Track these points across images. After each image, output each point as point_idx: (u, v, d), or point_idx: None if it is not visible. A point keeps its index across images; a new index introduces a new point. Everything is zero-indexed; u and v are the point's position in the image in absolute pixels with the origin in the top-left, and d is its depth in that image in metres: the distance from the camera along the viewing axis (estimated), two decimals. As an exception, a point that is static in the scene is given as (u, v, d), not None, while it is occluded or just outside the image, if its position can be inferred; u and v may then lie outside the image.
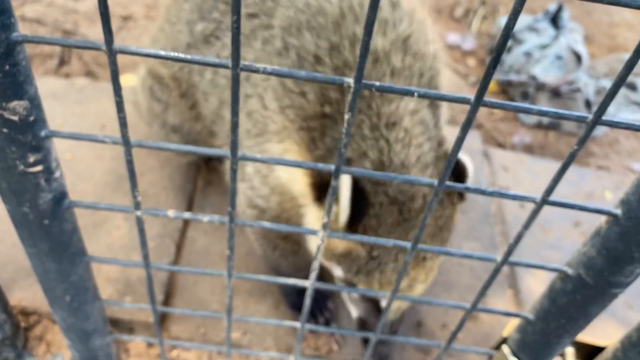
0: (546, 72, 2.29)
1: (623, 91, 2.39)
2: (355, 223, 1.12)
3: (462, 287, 1.56)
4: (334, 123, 1.15)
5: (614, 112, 2.32)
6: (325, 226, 0.92)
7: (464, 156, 1.20)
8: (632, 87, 2.41)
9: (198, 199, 1.69)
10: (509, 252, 0.92)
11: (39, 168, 0.81)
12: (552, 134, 2.24)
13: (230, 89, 1.31)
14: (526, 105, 0.68)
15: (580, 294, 0.93)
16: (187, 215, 0.92)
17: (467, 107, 0.76)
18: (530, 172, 1.96)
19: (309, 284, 1.04)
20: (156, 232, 1.56)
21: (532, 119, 2.27)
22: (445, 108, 1.29)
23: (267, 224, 0.97)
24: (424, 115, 1.18)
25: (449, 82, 2.38)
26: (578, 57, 2.32)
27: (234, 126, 0.74)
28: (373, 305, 1.26)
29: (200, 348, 1.37)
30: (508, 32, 0.59)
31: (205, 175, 1.75)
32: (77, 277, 1.03)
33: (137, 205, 0.89)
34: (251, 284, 1.51)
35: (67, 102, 1.88)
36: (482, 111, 2.25)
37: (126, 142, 0.79)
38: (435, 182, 0.86)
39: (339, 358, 1.42)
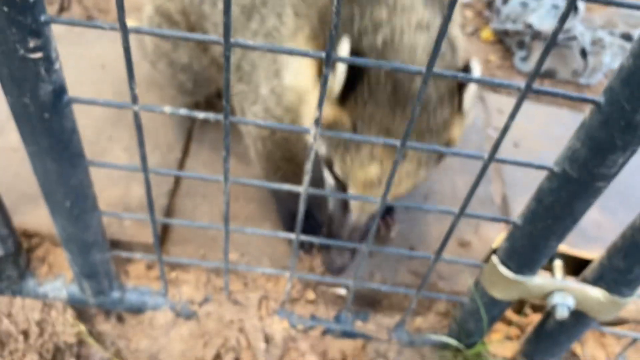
0: (542, 21, 2.30)
1: (619, 42, 2.40)
2: (348, 91, 1.09)
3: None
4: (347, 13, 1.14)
5: (609, 62, 2.34)
6: (317, 122, 0.95)
7: (474, 61, 1.14)
8: (628, 38, 2.43)
9: (196, 134, 1.71)
10: (496, 148, 0.95)
11: (39, 55, 0.83)
12: (547, 82, 2.26)
13: (240, 17, 1.33)
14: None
15: (565, 190, 0.96)
16: (182, 111, 0.94)
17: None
18: (524, 115, 1.97)
19: (302, 189, 1.07)
20: (155, 162, 1.58)
21: (528, 67, 2.29)
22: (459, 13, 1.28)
23: (261, 122, 1.00)
24: (438, 8, 1.18)
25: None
26: (574, 7, 2.33)
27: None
28: (343, 203, 1.24)
29: (199, 265, 1.41)
30: None
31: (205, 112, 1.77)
32: (77, 182, 1.05)
33: (134, 99, 0.92)
34: (249, 210, 1.54)
35: (66, 45, 1.89)
36: (479, 58, 2.26)
37: (123, 27, 0.81)
38: (424, 69, 0.87)
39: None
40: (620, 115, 0.82)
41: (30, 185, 1.49)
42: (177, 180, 1.57)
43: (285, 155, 1.36)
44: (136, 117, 0.93)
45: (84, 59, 1.87)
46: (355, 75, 1.08)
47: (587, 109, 0.88)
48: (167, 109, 0.94)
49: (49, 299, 1.39)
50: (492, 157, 0.96)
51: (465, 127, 1.23)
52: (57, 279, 1.40)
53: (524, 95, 0.86)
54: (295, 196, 1.21)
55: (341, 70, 1.07)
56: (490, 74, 2.24)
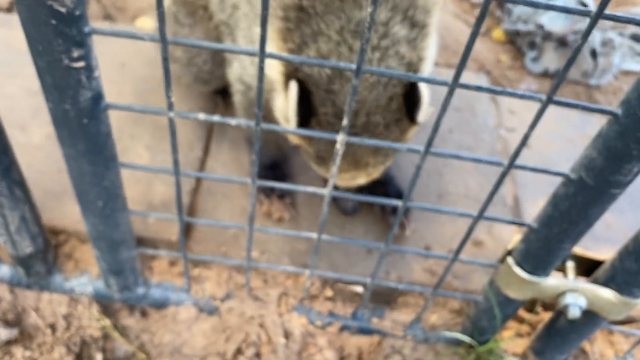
0: (553, 22, 2.33)
1: (628, 42, 2.43)
2: (303, 126, 1.20)
3: (468, 217, 1.63)
4: (308, 17, 1.16)
5: (618, 62, 2.37)
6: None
7: (424, 86, 1.17)
8: (637, 38, 2.45)
9: (216, 132, 1.75)
10: (516, 155, 0.99)
11: (81, 64, 0.87)
12: (558, 83, 2.29)
13: None
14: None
15: (581, 196, 1.00)
16: (215, 118, 0.98)
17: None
18: (535, 116, 2.01)
19: (326, 191, 1.12)
20: (176, 161, 1.62)
21: (539, 68, 2.32)
22: (434, 35, 1.27)
23: (280, 128, 1.03)
24: (397, 30, 1.16)
25: (458, 32, 2.42)
26: (585, 7, 2.36)
27: (264, 21, 0.80)
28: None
29: (221, 263, 1.45)
30: None
31: (223, 111, 1.81)
32: (110, 183, 1.10)
33: (170, 106, 0.96)
34: (268, 209, 1.59)
35: (87, 43, 1.94)
36: (490, 59, 2.30)
37: (163, 39, 0.85)
38: (422, 148, 0.91)
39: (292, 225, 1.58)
40: (637, 126, 0.86)
41: (55, 183, 1.54)
42: (199, 180, 1.61)
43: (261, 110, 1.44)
44: (171, 123, 0.97)
45: (103, 57, 1.89)
46: (307, 112, 1.19)
47: (599, 114, 0.92)
48: (202, 115, 0.98)
49: (76, 294, 1.43)
50: (511, 164, 1.00)
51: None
52: (84, 275, 1.44)
53: (545, 106, 0.90)
54: (267, 148, 1.55)
55: (292, 111, 1.16)
56: (501, 74, 2.27)
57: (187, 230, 1.51)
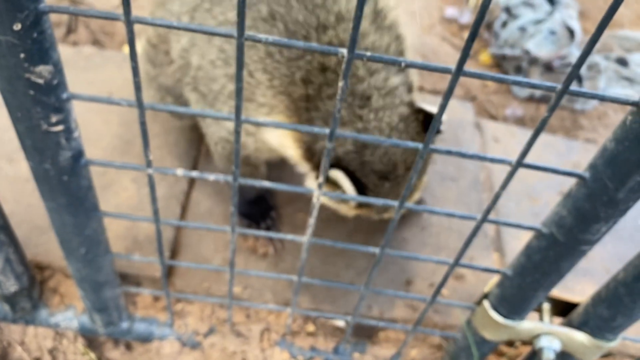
0: (540, 47, 2.35)
1: (614, 66, 2.46)
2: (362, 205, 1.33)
3: (450, 249, 1.66)
4: (315, 105, 1.24)
5: (604, 86, 2.39)
6: (320, 186, 1.01)
7: (430, 107, 1.32)
8: (623, 62, 2.48)
9: (201, 163, 1.76)
10: (488, 211, 1.01)
11: (60, 128, 0.89)
12: (543, 107, 2.31)
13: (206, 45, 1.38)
14: (500, 75, 0.76)
15: (552, 251, 1.02)
16: (194, 174, 1.00)
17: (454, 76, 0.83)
18: (520, 144, 2.04)
19: (305, 239, 1.14)
20: (162, 193, 1.64)
21: (525, 93, 2.34)
22: (415, 75, 1.37)
23: (267, 184, 1.05)
24: (394, 82, 1.27)
25: (445, 55, 2.44)
26: (571, 33, 2.38)
27: (238, 92, 0.82)
28: None
29: (203, 300, 1.47)
30: (487, 3, 0.65)
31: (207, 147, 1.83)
32: (91, 231, 1.12)
33: (149, 164, 0.97)
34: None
35: (75, 70, 1.95)
36: (475, 83, 2.32)
37: (140, 105, 0.87)
38: (421, 145, 0.94)
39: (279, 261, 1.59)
40: (604, 191, 0.88)
41: (42, 217, 1.55)
42: (184, 212, 1.63)
43: (243, 160, 1.46)
44: (150, 179, 0.99)
45: (92, 86, 1.92)
46: (359, 190, 1.28)
47: (581, 139, 0.94)
48: (180, 171, 1.00)
49: (61, 328, 1.45)
50: (484, 219, 1.02)
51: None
52: (69, 310, 1.46)
53: (514, 171, 0.92)
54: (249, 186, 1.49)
55: (351, 193, 1.26)
56: (487, 99, 2.29)
57: (170, 266, 1.53)
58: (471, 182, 1.85)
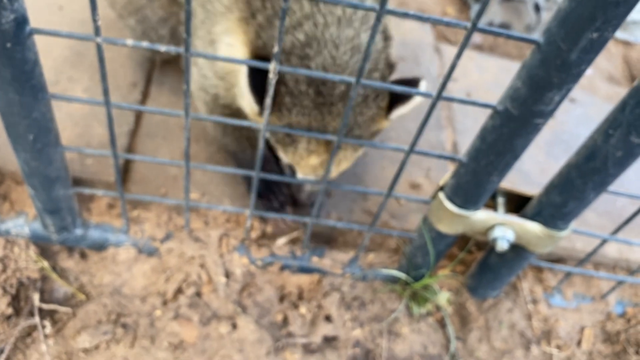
0: (499, -24, 2.36)
1: None
2: (261, 103, 1.16)
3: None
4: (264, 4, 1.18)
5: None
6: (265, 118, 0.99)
7: (423, 82, 1.27)
8: None
9: (156, 76, 1.72)
10: (443, 86, 1.01)
11: (0, -18, 0.85)
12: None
13: None
14: None
15: (507, 128, 1.03)
16: (145, 44, 0.97)
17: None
18: (478, 68, 2.05)
19: (254, 174, 1.16)
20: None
21: (484, 20, 2.35)
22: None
23: (218, 118, 1.03)
24: (369, 3, 1.18)
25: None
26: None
27: (187, 16, 0.79)
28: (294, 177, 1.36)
29: (160, 203, 1.45)
30: None
31: (165, 54, 1.78)
32: (40, 115, 1.07)
33: (97, 31, 0.94)
34: (210, 152, 1.58)
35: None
36: (436, 11, 2.32)
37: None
38: (353, 80, 0.95)
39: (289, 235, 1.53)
40: (557, 54, 0.89)
41: (-11, 124, 1.50)
42: (138, 121, 1.59)
43: (224, 105, 1.40)
44: (99, 49, 0.96)
45: None
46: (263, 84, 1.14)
47: (530, 48, 0.95)
48: (129, 42, 0.96)
49: (12, 235, 1.41)
50: (439, 95, 1.02)
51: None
52: (20, 216, 1.42)
53: (470, 33, 0.92)
54: (244, 152, 1.33)
55: (246, 91, 1.16)
56: (446, 27, 2.29)
57: (125, 171, 1.50)
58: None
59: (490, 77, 2.03)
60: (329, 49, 1.16)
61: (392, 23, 1.36)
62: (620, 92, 2.22)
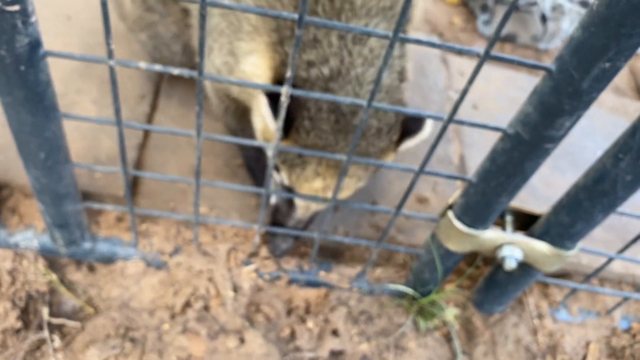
0: (505, -15, 2.36)
1: (577, 8, 2.49)
2: (289, 122, 1.19)
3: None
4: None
5: (567, 27, 2.42)
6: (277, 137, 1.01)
7: (429, 121, 1.28)
8: (585, 4, 2.51)
9: (165, 88, 1.72)
10: (455, 110, 1.01)
11: (16, 7, 0.85)
12: (508, 46, 2.33)
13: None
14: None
15: (517, 151, 1.04)
16: (157, 67, 0.97)
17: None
18: (483, 79, 2.06)
19: (264, 190, 1.17)
20: (124, 116, 1.58)
21: (490, 31, 2.35)
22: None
23: (234, 80, 1.03)
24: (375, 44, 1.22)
25: (437, 11, 2.43)
26: None
27: (201, 42, 0.80)
28: (288, 201, 1.36)
29: (169, 217, 1.45)
30: None
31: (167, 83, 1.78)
32: (51, 134, 1.08)
33: (110, 54, 0.94)
34: (217, 166, 1.58)
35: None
36: (443, 21, 2.32)
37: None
38: (365, 102, 0.97)
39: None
40: (569, 82, 0.89)
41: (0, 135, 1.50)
42: (147, 134, 1.59)
43: (230, 96, 1.43)
44: (112, 72, 0.96)
45: (48, 9, 1.84)
46: (294, 107, 1.18)
47: (542, 74, 0.95)
48: (142, 64, 0.97)
49: (21, 248, 1.41)
50: (451, 118, 1.02)
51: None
52: (28, 230, 1.42)
53: (482, 61, 0.92)
54: (244, 131, 1.44)
55: (269, 119, 1.17)
56: (453, 37, 2.30)
57: (134, 185, 1.50)
58: (437, 112, 1.86)
59: (496, 88, 2.03)
60: (353, 86, 1.20)
61: (409, 65, 1.37)
62: (626, 103, 2.22)
